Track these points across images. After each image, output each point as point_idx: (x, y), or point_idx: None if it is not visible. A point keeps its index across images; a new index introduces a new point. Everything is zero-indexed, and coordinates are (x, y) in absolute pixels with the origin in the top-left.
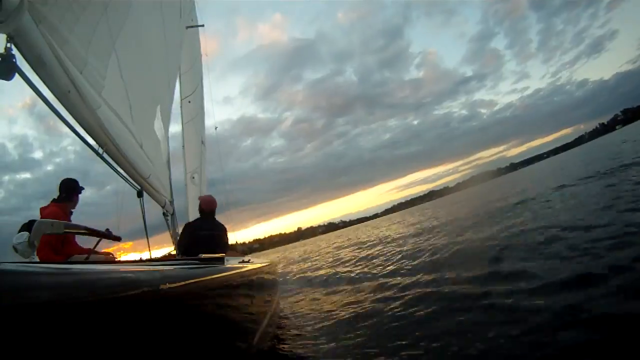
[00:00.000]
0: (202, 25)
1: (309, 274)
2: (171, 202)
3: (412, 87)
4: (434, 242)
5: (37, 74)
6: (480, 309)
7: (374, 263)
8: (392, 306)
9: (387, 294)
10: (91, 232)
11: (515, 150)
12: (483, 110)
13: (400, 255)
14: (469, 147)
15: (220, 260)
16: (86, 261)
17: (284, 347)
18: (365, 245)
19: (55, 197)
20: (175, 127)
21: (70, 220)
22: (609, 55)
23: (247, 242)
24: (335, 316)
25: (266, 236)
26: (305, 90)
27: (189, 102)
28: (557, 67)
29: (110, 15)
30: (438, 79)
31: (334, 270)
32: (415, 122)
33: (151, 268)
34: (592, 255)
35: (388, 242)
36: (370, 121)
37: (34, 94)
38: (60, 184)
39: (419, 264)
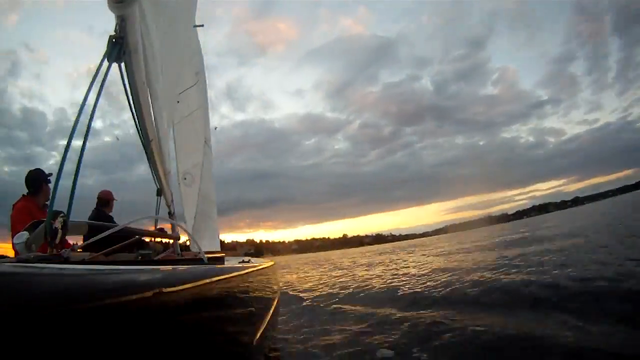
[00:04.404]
0: (202, 25)
1: None
2: (172, 202)
3: (486, 104)
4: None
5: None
6: None
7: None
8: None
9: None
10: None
11: (573, 186)
12: (551, 139)
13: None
14: (528, 177)
15: (220, 260)
16: (86, 261)
17: (284, 347)
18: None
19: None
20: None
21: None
22: None
23: (286, 241)
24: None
25: (308, 238)
26: (378, 93)
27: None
28: (630, 102)
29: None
30: (513, 99)
31: None
32: (482, 143)
33: (150, 268)
34: None
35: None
36: (438, 135)
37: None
38: (25, 177)
39: None
